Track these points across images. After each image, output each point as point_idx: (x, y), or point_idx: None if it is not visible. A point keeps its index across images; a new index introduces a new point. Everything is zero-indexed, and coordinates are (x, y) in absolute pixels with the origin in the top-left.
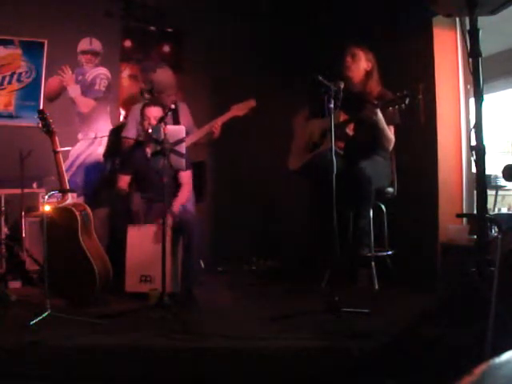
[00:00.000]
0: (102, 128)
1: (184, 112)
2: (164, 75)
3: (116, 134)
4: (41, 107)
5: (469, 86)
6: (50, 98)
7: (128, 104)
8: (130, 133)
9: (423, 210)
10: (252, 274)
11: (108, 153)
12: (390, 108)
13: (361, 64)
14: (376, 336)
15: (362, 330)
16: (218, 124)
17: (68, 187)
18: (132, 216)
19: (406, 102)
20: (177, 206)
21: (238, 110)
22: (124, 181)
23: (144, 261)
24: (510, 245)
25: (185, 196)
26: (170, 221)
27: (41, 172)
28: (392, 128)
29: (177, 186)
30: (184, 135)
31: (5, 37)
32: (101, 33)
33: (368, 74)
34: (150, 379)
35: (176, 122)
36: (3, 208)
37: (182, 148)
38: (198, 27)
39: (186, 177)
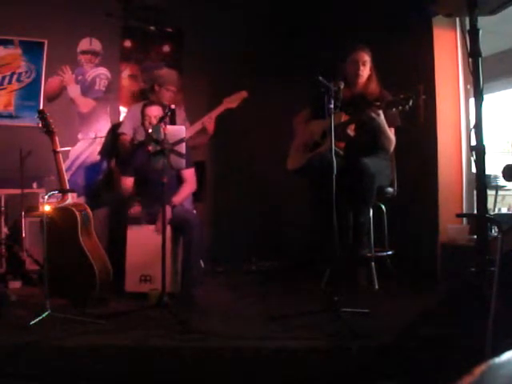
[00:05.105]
0: (102, 128)
1: (180, 114)
2: (168, 71)
3: (113, 132)
4: (41, 107)
5: (469, 86)
6: (50, 98)
7: (128, 104)
8: (126, 130)
9: (423, 210)
10: (252, 274)
11: (104, 151)
12: (394, 109)
13: (368, 68)
14: (376, 336)
15: (362, 330)
16: (211, 118)
17: (68, 187)
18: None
19: (410, 103)
20: (177, 199)
21: (231, 102)
22: (129, 182)
23: (144, 261)
24: (510, 245)
25: (186, 191)
26: (169, 213)
27: (41, 172)
28: (392, 129)
29: (179, 184)
30: (184, 135)
31: (5, 37)
32: (101, 33)
33: (369, 75)
34: (150, 379)
35: (172, 123)
36: (3, 208)
37: (182, 148)
38: (198, 27)
39: (188, 174)
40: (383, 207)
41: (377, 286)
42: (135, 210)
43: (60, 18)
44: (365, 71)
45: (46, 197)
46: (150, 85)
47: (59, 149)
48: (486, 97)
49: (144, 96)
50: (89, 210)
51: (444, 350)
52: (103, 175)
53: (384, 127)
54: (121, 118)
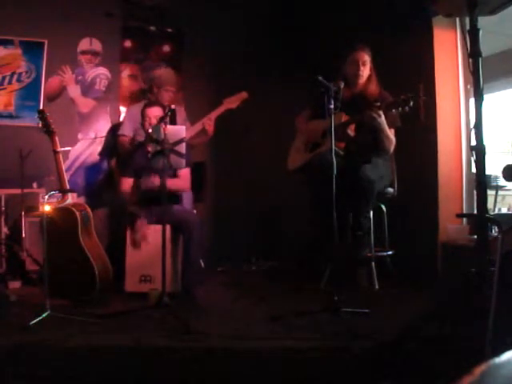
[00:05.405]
0: (102, 128)
1: (180, 114)
2: (164, 71)
3: (113, 132)
4: (41, 107)
5: (469, 86)
6: (50, 98)
7: (128, 104)
8: (126, 132)
9: (423, 210)
10: (252, 274)
11: (104, 151)
12: (394, 110)
13: (368, 68)
14: (376, 336)
15: (362, 330)
16: (210, 119)
17: (68, 187)
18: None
19: (410, 104)
20: (171, 183)
21: (231, 102)
22: (128, 184)
23: (144, 261)
24: (510, 245)
25: (177, 183)
26: (156, 181)
27: (41, 172)
28: (392, 130)
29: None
30: (184, 135)
31: (5, 37)
32: (101, 33)
33: (369, 75)
34: (150, 379)
35: (173, 122)
36: (3, 208)
37: (182, 148)
38: (198, 27)
39: (182, 172)
40: (383, 207)
41: (377, 286)
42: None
43: (60, 18)
44: (365, 71)
45: (46, 197)
46: (149, 85)
47: (59, 149)
48: (486, 97)
49: (144, 96)
50: (89, 210)
51: (444, 350)
52: (103, 175)
53: (384, 127)
54: (121, 118)
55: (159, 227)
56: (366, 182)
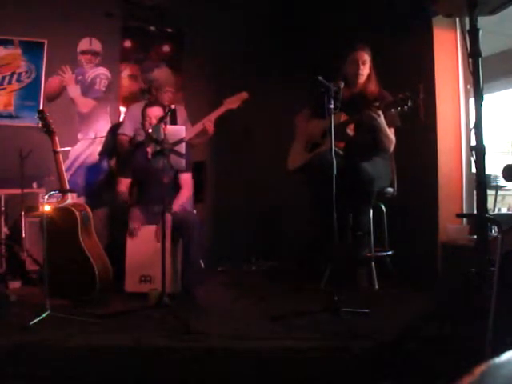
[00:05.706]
0: (102, 128)
1: (181, 113)
2: (162, 73)
3: (113, 132)
4: (41, 107)
5: (469, 86)
6: (50, 98)
7: (128, 104)
8: (127, 131)
9: (423, 210)
10: (252, 274)
11: (104, 151)
12: (392, 110)
13: (368, 67)
14: (376, 336)
15: (362, 330)
16: (210, 120)
17: (68, 187)
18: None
19: (409, 103)
20: (176, 206)
21: (231, 103)
22: (124, 184)
23: (144, 261)
24: (510, 245)
25: (183, 198)
26: (169, 221)
27: (41, 172)
28: (392, 129)
29: (176, 188)
30: (184, 135)
31: (5, 37)
32: (101, 33)
33: (369, 74)
34: (150, 379)
35: (173, 122)
36: (3, 208)
37: (182, 148)
38: (198, 27)
39: (185, 179)
40: (383, 207)
41: (377, 286)
42: (135, 220)
43: (60, 18)
44: (365, 70)
45: (46, 197)
46: (148, 87)
47: (59, 149)
48: (486, 97)
49: (144, 96)
50: (89, 210)
51: (444, 350)
52: (103, 175)
53: (383, 127)
54: (121, 118)
55: (159, 227)
56: (366, 179)
